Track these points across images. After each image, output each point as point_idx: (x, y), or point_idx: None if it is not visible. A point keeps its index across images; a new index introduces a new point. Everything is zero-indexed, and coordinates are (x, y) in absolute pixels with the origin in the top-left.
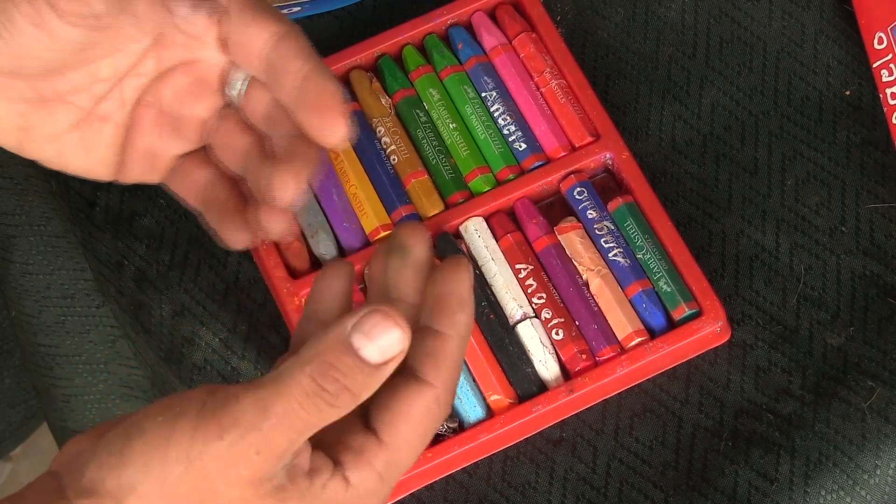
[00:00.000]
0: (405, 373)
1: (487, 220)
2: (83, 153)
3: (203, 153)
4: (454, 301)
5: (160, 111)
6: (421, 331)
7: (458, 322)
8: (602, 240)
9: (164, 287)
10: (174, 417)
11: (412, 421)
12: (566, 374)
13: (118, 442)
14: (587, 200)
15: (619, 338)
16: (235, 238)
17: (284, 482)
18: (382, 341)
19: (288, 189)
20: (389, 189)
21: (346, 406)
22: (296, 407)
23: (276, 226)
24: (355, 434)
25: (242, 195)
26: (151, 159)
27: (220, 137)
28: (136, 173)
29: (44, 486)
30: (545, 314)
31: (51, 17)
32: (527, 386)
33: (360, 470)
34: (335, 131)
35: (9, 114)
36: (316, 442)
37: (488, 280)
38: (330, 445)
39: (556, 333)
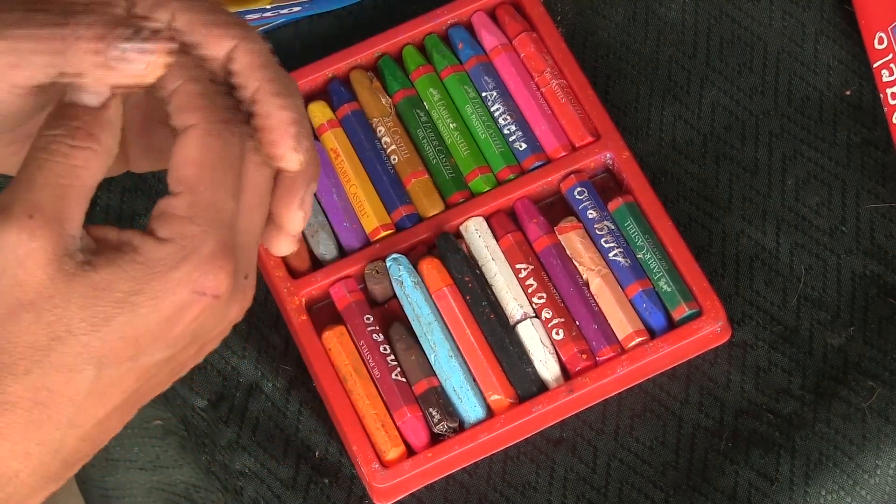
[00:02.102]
0: None
1: (488, 219)
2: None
3: None
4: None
5: (146, 110)
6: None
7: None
8: (602, 240)
9: None
10: None
11: (190, 161)
12: (566, 374)
13: None
14: (587, 200)
15: (620, 338)
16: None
17: (90, 258)
18: (93, 87)
19: (297, 220)
20: (389, 189)
21: (88, 145)
22: (41, 162)
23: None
24: (159, 203)
25: None
26: (156, 152)
27: None
28: (147, 165)
29: None
30: (545, 314)
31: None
32: (527, 386)
33: (168, 223)
34: (286, 162)
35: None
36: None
37: (488, 280)
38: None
39: (557, 333)
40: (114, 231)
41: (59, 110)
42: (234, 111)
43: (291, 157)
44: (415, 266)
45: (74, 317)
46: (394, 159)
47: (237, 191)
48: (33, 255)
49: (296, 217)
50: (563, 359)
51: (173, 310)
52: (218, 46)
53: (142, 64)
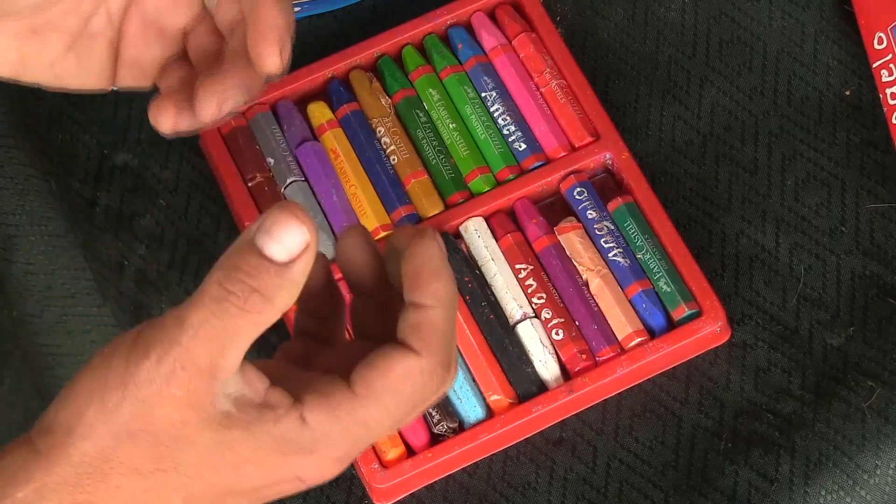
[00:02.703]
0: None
1: (487, 220)
2: (79, 72)
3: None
4: (426, 272)
5: (144, 21)
6: (404, 308)
7: (436, 291)
8: (602, 240)
9: (164, 287)
10: (114, 347)
11: (390, 380)
12: (566, 374)
13: (71, 380)
14: (587, 200)
15: (619, 338)
16: (158, 114)
17: (230, 410)
18: (285, 237)
19: (207, 109)
20: (389, 189)
21: (259, 309)
22: (208, 315)
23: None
24: (326, 380)
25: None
26: (141, 66)
27: (193, 39)
28: (128, 80)
29: (19, 438)
30: (545, 314)
31: None
32: (527, 386)
33: (319, 411)
34: (266, 61)
35: (3, 50)
36: (281, 381)
37: (488, 280)
38: (296, 387)
39: (556, 333)
40: (264, 385)
41: (240, 257)
42: None
43: (275, 59)
44: None
45: (189, 462)
46: (393, 159)
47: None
48: (175, 400)
49: (273, 55)
50: (563, 359)
51: (273, 482)
52: None
53: None
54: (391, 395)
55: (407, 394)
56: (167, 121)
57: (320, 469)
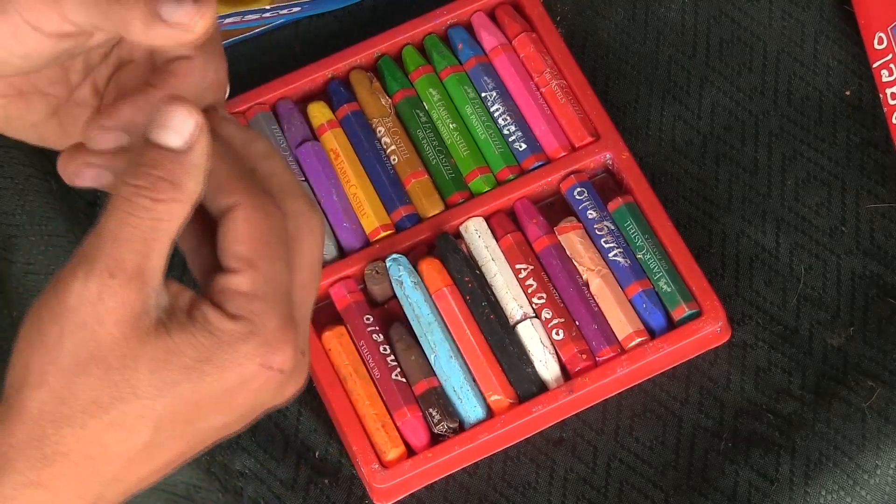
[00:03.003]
0: None
1: (487, 220)
2: (61, 136)
3: None
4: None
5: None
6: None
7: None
8: (602, 240)
9: None
10: (42, 293)
11: (244, 237)
12: (566, 374)
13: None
14: (587, 200)
15: (620, 338)
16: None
17: (163, 318)
18: (178, 125)
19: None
20: (389, 189)
21: (170, 196)
22: (124, 216)
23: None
24: (219, 280)
25: None
26: (70, 129)
27: None
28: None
29: None
30: (545, 314)
31: (26, 31)
32: (527, 386)
33: (232, 300)
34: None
35: None
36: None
37: (488, 280)
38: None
39: (557, 333)
40: (187, 294)
41: (141, 155)
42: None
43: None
44: (415, 266)
45: (143, 380)
46: (393, 159)
47: (291, 265)
48: (112, 313)
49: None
50: (563, 359)
51: (238, 381)
52: None
53: (189, 19)
54: (262, 244)
55: (270, 232)
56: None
57: (274, 345)
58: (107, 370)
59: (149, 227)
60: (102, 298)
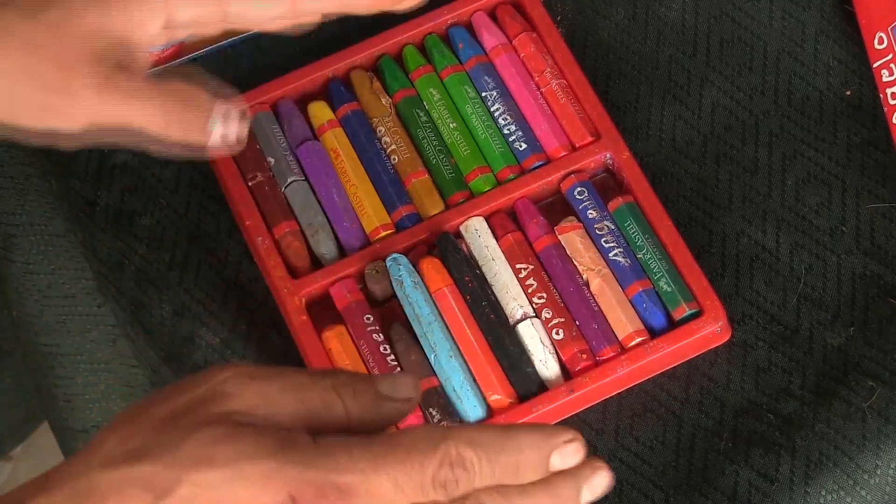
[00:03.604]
0: None
1: (488, 219)
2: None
3: None
4: None
5: None
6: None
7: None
8: (602, 239)
9: (165, 287)
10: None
11: None
12: (566, 373)
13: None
14: (587, 200)
15: (620, 338)
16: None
17: None
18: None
19: None
20: (390, 189)
21: None
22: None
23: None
24: None
25: None
26: None
27: None
28: None
29: None
30: (545, 314)
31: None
32: (527, 386)
33: None
34: None
35: None
36: None
37: (489, 280)
38: None
39: (557, 333)
40: None
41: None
42: None
43: None
44: (415, 266)
45: None
46: (394, 159)
47: None
48: None
49: None
50: (564, 359)
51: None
52: None
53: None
54: None
55: None
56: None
57: None
58: None
59: None
60: None
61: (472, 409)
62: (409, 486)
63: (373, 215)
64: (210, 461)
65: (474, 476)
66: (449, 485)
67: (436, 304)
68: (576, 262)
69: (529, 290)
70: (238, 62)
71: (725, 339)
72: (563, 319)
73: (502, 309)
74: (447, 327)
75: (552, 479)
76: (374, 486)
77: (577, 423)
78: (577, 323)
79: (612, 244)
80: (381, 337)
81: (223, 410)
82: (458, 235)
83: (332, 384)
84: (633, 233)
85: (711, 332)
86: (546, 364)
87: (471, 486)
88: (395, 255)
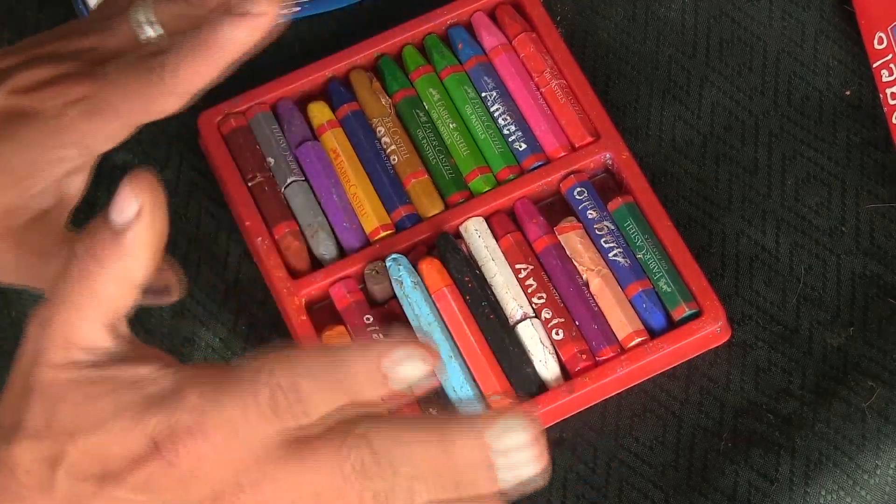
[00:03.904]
0: None
1: (487, 220)
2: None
3: None
4: None
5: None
6: None
7: None
8: (602, 240)
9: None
10: None
11: None
12: (566, 374)
13: None
14: (587, 200)
15: (620, 338)
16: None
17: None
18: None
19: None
20: (389, 189)
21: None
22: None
23: None
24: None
25: None
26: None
27: None
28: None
29: None
30: (545, 314)
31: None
32: (527, 386)
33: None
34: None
35: None
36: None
37: (488, 280)
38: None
39: (557, 333)
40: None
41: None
42: None
43: None
44: (414, 266)
45: (66, 418)
46: (393, 159)
47: None
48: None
49: None
50: (563, 359)
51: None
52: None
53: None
54: None
55: None
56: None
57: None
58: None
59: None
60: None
61: (471, 409)
62: (249, 414)
63: (372, 215)
64: (83, 418)
65: (310, 399)
66: (290, 410)
67: (435, 305)
68: (575, 263)
69: (529, 291)
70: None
71: (725, 339)
72: (562, 320)
73: (502, 309)
74: (447, 328)
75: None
76: (222, 419)
77: (577, 423)
78: (577, 323)
79: (611, 244)
80: (381, 337)
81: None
82: (458, 236)
83: None
84: (632, 233)
85: (711, 332)
86: (546, 364)
87: (310, 407)
88: (394, 256)
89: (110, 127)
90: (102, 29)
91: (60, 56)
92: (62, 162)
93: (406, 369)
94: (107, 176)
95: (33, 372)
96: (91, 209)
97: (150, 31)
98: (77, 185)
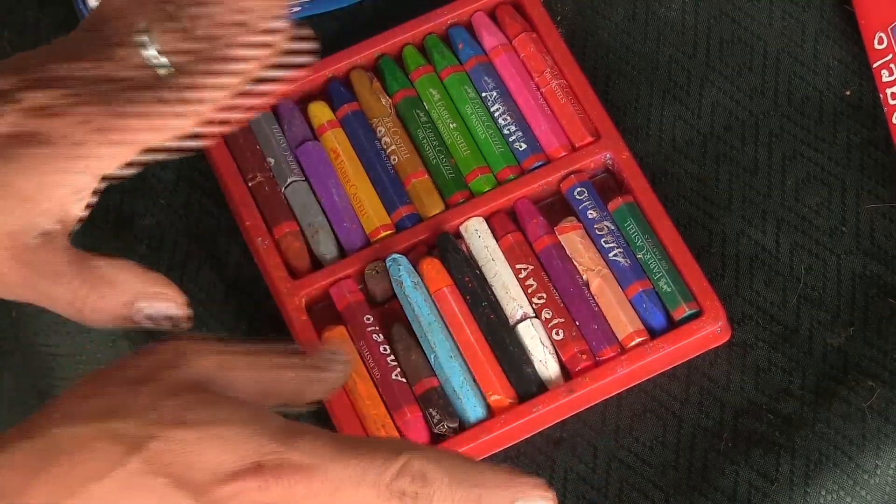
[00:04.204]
0: None
1: (488, 220)
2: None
3: None
4: None
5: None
6: None
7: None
8: (602, 240)
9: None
10: None
11: None
12: (566, 374)
13: None
14: (587, 200)
15: (620, 338)
16: None
17: None
18: None
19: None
20: (390, 189)
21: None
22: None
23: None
24: None
25: None
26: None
27: None
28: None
29: None
30: (545, 314)
31: None
32: (527, 386)
33: None
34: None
35: None
36: None
37: (488, 280)
38: None
39: (557, 333)
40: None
41: None
42: None
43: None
44: (415, 266)
45: None
46: (394, 159)
47: None
48: None
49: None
50: (563, 359)
51: None
52: None
53: None
54: None
55: None
56: None
57: None
58: None
59: None
60: None
61: (472, 409)
62: (366, 484)
63: (373, 215)
64: (183, 421)
65: (433, 494)
66: (407, 496)
67: (436, 305)
68: (576, 263)
69: (529, 291)
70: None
71: (725, 339)
72: (562, 320)
73: (502, 309)
74: (447, 328)
75: None
76: (333, 474)
77: (577, 423)
78: (577, 323)
79: (611, 244)
80: (381, 337)
81: (184, 376)
82: (458, 236)
83: (278, 357)
84: (632, 233)
85: (711, 332)
86: (546, 364)
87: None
88: (395, 256)
89: (117, 148)
90: (108, 53)
91: (66, 79)
92: (68, 182)
93: None
94: None
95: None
96: (91, 209)
97: (158, 64)
98: (81, 206)
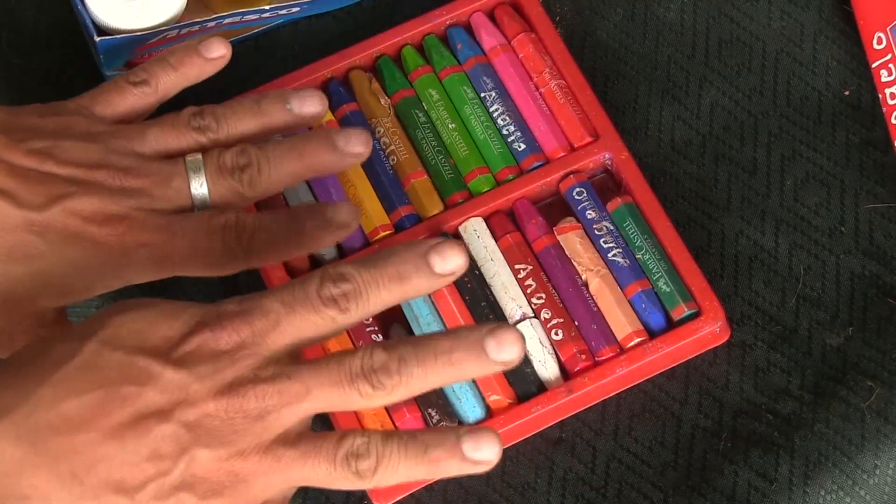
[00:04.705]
0: None
1: (487, 220)
2: None
3: None
4: None
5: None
6: None
7: None
8: (601, 240)
9: (164, 287)
10: None
11: None
12: (565, 374)
13: None
14: (586, 201)
15: (619, 338)
16: None
17: None
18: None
19: None
20: (389, 189)
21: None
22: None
23: None
24: None
25: None
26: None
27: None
28: None
29: None
30: (544, 314)
31: None
32: (526, 386)
33: None
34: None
35: None
36: None
37: (488, 280)
38: None
39: (556, 334)
40: None
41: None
42: None
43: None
44: None
45: None
46: (393, 160)
47: None
48: None
49: None
50: (563, 359)
51: None
52: None
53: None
54: None
55: None
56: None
57: None
58: None
59: None
60: None
61: (471, 409)
62: (298, 303)
63: (372, 216)
64: (125, 308)
65: (359, 286)
66: (338, 299)
67: (435, 305)
68: (575, 263)
69: (528, 291)
70: (238, 62)
71: (724, 339)
72: (561, 320)
73: (501, 309)
74: (446, 328)
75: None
76: (267, 307)
77: (577, 423)
78: (576, 323)
79: (610, 244)
80: (381, 337)
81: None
82: (457, 236)
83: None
84: (631, 233)
85: (710, 332)
86: (545, 364)
87: (359, 297)
88: None
89: (164, 274)
90: (154, 172)
91: (113, 189)
92: (106, 288)
93: (449, 265)
94: None
95: None
96: None
97: (202, 197)
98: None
